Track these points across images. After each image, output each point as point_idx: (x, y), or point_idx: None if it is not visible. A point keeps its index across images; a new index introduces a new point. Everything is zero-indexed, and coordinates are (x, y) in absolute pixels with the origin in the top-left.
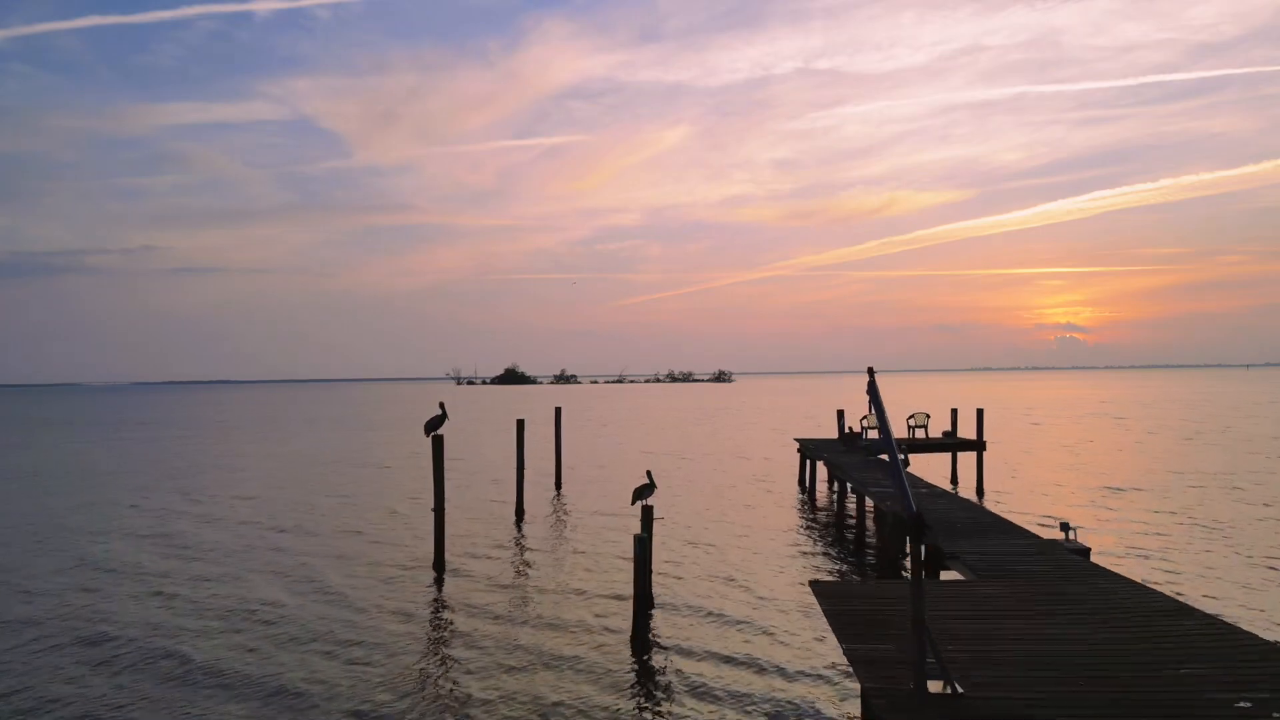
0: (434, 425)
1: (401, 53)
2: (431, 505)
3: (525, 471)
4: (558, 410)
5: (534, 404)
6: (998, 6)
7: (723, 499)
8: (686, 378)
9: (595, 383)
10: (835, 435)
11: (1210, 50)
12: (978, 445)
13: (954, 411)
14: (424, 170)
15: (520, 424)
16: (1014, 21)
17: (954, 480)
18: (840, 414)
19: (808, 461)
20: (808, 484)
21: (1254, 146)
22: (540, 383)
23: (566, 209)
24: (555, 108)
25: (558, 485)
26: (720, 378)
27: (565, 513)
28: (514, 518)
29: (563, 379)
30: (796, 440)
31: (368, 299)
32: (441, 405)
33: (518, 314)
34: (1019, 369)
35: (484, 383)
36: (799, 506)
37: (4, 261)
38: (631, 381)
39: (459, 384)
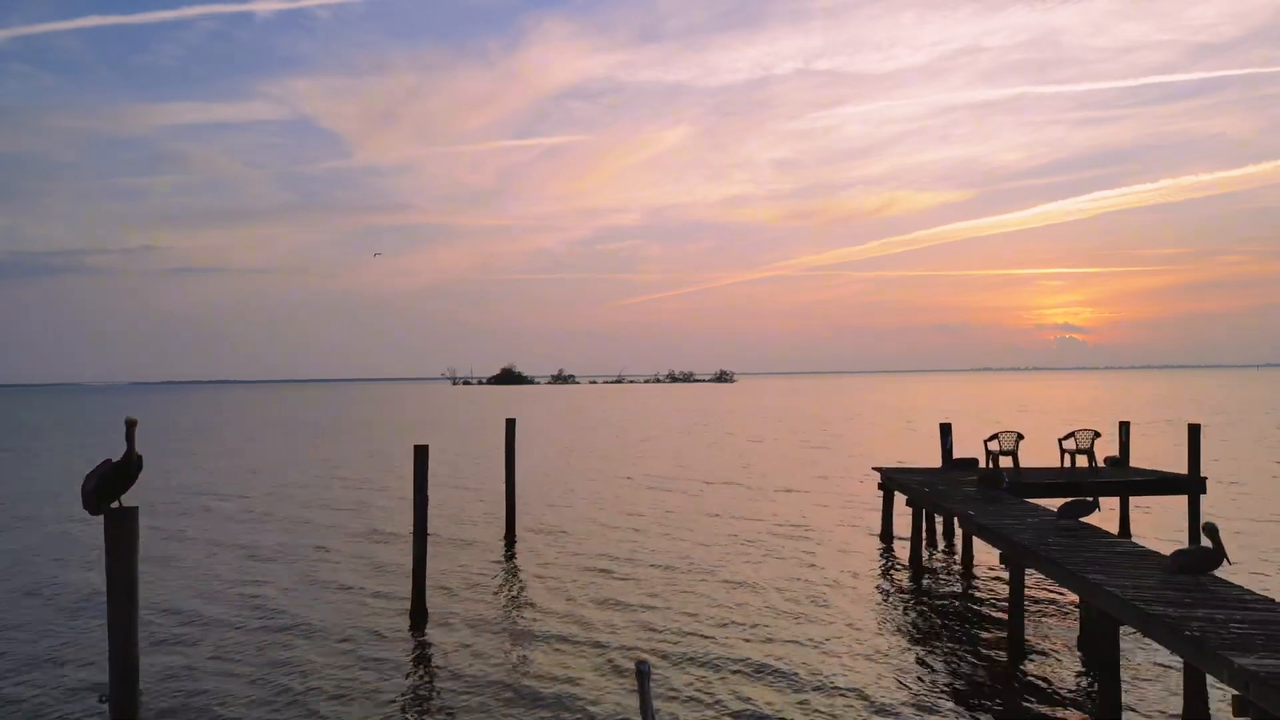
0: (113, 484)
1: (401, 53)
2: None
3: (486, 503)
4: (510, 423)
5: (524, 407)
6: (998, 6)
7: (778, 613)
8: (687, 378)
9: (594, 383)
10: (917, 459)
11: (1210, 50)
12: (1191, 484)
13: (1123, 427)
14: (424, 170)
15: (421, 453)
16: (1014, 21)
17: (1125, 535)
18: (945, 429)
19: (907, 508)
20: (909, 551)
21: (1254, 146)
22: (537, 383)
23: (566, 209)
24: (555, 108)
25: (509, 540)
26: (722, 378)
27: (505, 634)
28: (406, 630)
29: (560, 379)
30: (877, 470)
31: (368, 299)
32: (129, 427)
33: (517, 314)
34: (1019, 369)
35: (480, 383)
36: (941, 641)
37: (4, 261)
38: (631, 382)
39: (454, 384)
